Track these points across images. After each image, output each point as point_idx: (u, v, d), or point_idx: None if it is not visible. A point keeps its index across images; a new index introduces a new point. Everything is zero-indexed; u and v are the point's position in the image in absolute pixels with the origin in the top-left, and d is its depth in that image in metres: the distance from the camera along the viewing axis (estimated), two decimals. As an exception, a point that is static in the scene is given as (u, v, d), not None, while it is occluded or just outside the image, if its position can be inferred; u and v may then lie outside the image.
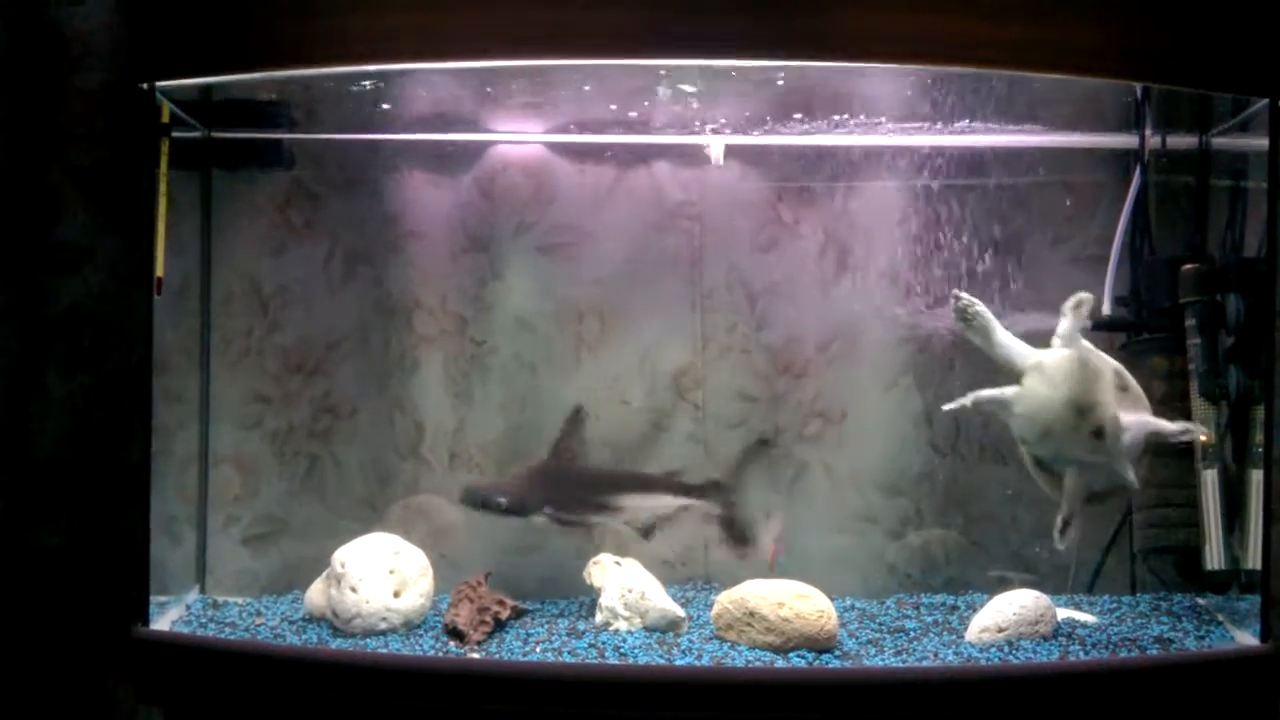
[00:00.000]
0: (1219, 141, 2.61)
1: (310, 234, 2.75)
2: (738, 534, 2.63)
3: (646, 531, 2.61)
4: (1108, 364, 2.33)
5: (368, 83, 2.47)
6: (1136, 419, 2.30)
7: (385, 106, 2.63)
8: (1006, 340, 2.35)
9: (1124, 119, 2.66)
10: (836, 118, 2.62)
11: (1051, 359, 2.31)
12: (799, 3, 2.16)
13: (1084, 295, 2.32)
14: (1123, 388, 2.32)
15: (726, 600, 2.36)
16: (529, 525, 2.56)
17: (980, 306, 2.35)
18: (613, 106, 2.64)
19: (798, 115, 2.62)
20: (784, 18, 2.16)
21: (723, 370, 2.77)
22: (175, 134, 2.44)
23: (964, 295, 2.35)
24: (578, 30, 2.16)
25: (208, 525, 2.73)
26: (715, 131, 2.67)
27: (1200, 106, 2.62)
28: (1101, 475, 2.30)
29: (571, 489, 2.60)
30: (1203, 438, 2.37)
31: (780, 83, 2.49)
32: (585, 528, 2.61)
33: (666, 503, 2.61)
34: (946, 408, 2.37)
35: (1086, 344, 2.32)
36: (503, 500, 2.55)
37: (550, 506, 2.55)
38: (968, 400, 2.34)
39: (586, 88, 2.55)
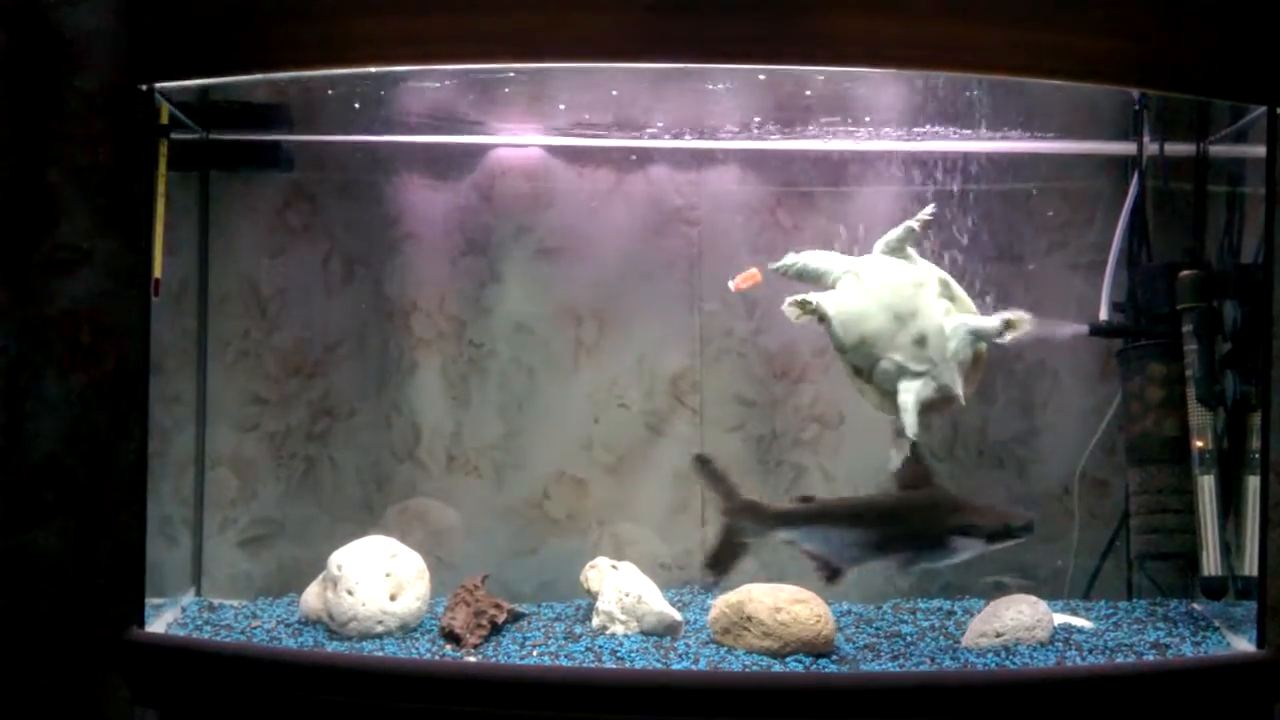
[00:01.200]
0: (1217, 148, 2.62)
1: (308, 236, 2.75)
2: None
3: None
4: (932, 272, 2.30)
5: (367, 84, 2.47)
6: (954, 320, 2.25)
7: (384, 109, 2.63)
8: (834, 262, 2.32)
9: (1122, 125, 2.66)
10: (835, 124, 2.62)
11: (869, 265, 2.28)
12: (795, 7, 2.16)
13: (926, 214, 2.30)
14: (949, 297, 2.28)
15: (723, 604, 2.36)
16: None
17: (797, 261, 2.33)
18: (611, 111, 2.64)
19: (797, 120, 2.62)
20: (780, 22, 2.16)
21: (720, 374, 2.77)
22: (174, 135, 2.44)
23: (783, 264, 2.33)
24: (574, 34, 2.16)
25: (204, 527, 2.72)
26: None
27: (1198, 113, 2.63)
28: (929, 387, 2.26)
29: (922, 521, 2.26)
30: (1024, 325, 2.24)
31: (778, 87, 2.49)
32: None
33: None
34: (772, 267, 2.34)
35: (912, 252, 2.30)
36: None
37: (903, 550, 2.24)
38: (784, 307, 2.31)
39: (586, 90, 2.55)
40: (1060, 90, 2.40)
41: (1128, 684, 2.21)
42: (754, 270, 2.41)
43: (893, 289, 2.27)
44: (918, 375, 2.25)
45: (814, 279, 2.35)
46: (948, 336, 2.25)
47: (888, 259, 2.30)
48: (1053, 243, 2.73)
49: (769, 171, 2.76)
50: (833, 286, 2.33)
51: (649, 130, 2.70)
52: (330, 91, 2.56)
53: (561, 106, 2.66)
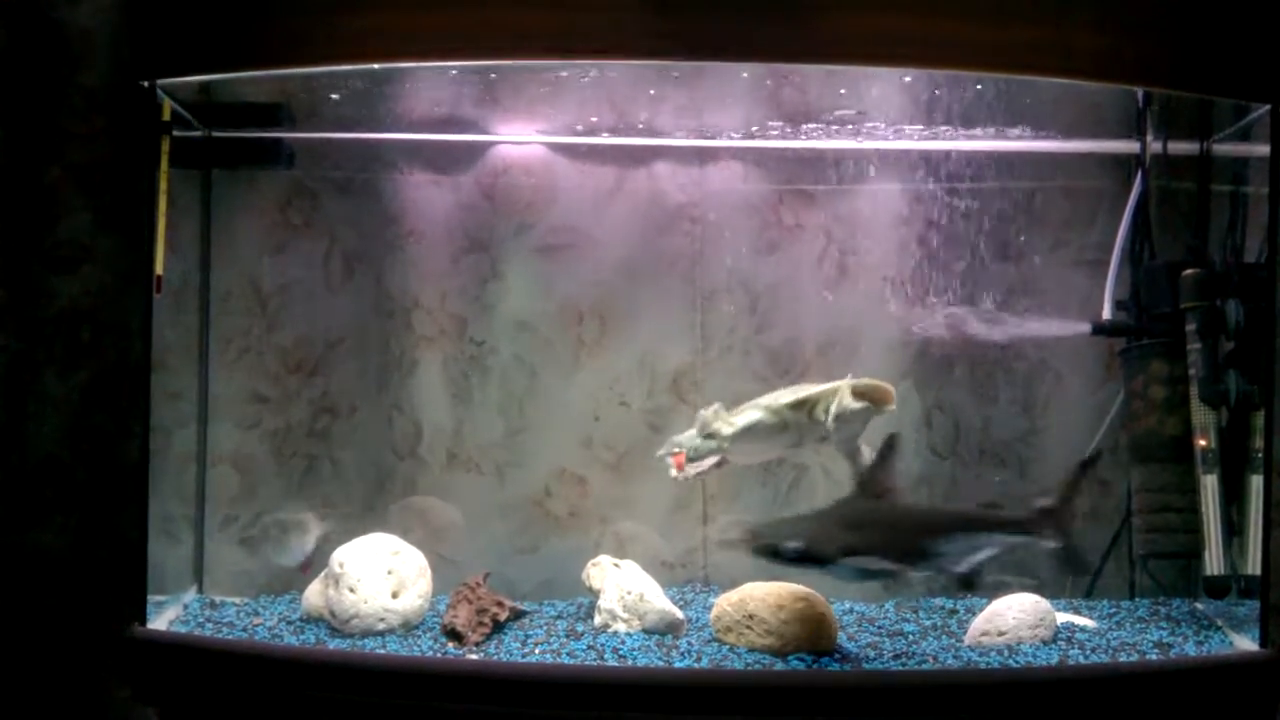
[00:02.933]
0: (1220, 147, 2.62)
1: (310, 233, 2.75)
2: (1078, 564, 2.35)
3: (968, 582, 2.26)
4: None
5: (368, 81, 2.47)
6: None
7: (386, 105, 2.63)
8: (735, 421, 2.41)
9: (1125, 124, 2.66)
10: (838, 121, 2.62)
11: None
12: (800, 5, 2.16)
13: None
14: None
15: (726, 603, 2.36)
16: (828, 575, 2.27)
17: (712, 422, 2.41)
18: (614, 109, 2.64)
19: (798, 118, 2.62)
20: (780, 20, 2.15)
21: (722, 372, 2.77)
22: (176, 132, 2.43)
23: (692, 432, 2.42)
24: (577, 32, 2.16)
25: (206, 525, 2.72)
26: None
27: (1201, 112, 2.62)
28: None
29: (881, 532, 2.22)
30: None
31: (780, 84, 2.49)
32: (897, 577, 2.32)
33: (994, 542, 2.27)
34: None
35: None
36: (794, 546, 2.20)
37: (854, 554, 2.19)
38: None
39: (587, 89, 2.55)
40: (1063, 89, 2.39)
41: (1130, 683, 2.21)
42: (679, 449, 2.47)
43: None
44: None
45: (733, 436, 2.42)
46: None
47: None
48: (1056, 241, 2.73)
49: (771, 169, 2.76)
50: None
51: (650, 128, 2.69)
52: (331, 89, 2.56)
53: (563, 103, 2.65)
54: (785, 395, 2.37)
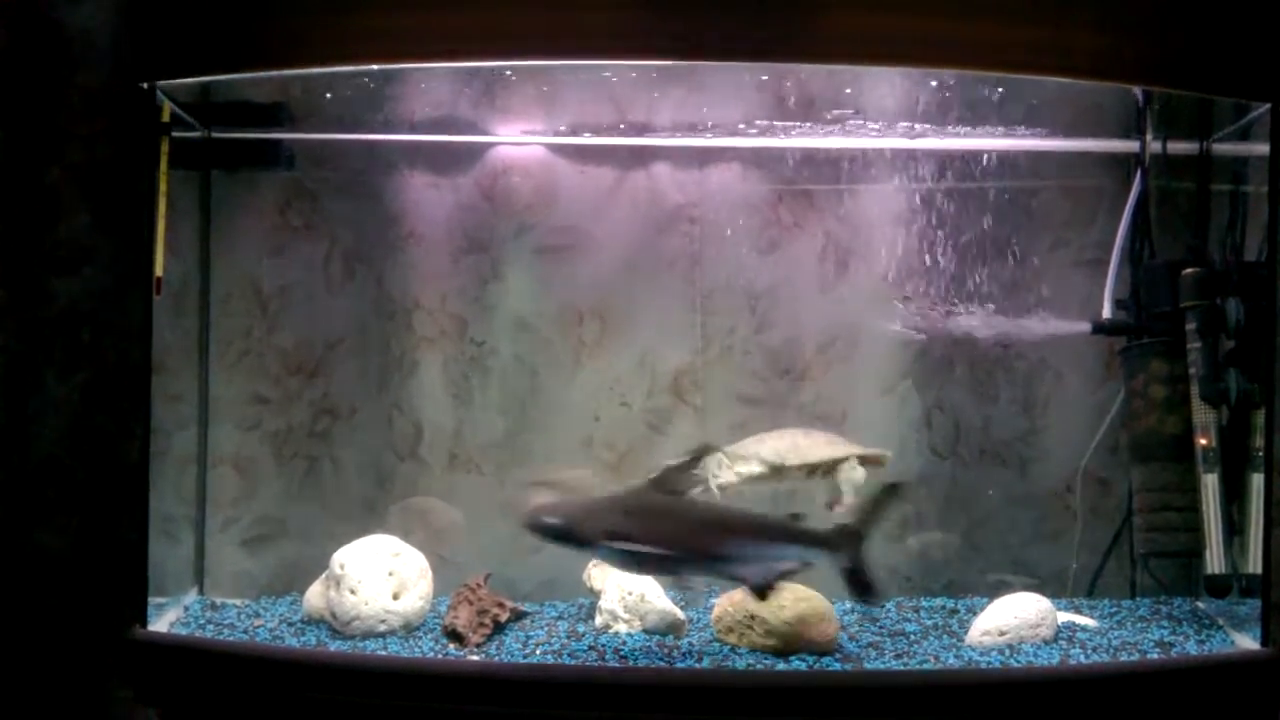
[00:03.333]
0: (1220, 146, 2.62)
1: (310, 234, 2.75)
2: (867, 590, 2.29)
3: (761, 590, 2.23)
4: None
5: (368, 82, 2.47)
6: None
7: (386, 106, 2.63)
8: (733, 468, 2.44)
9: (1125, 123, 2.66)
10: (837, 120, 2.62)
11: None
12: (798, 4, 2.16)
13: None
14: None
15: (727, 603, 2.36)
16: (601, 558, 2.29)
17: (717, 471, 2.42)
18: (614, 109, 2.64)
19: (798, 118, 2.62)
20: (778, 18, 2.15)
21: (722, 372, 2.77)
22: (175, 133, 2.43)
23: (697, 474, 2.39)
24: (575, 31, 2.16)
25: (206, 526, 2.72)
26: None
27: (1201, 111, 2.62)
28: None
29: (653, 522, 2.21)
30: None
31: (781, 83, 2.49)
32: (675, 575, 2.26)
33: (786, 555, 2.25)
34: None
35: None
36: (553, 523, 2.20)
37: (616, 539, 2.17)
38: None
39: (587, 89, 2.55)
40: (1063, 88, 2.40)
41: (1132, 682, 2.21)
42: None
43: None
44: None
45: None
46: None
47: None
48: (1056, 240, 2.73)
49: (771, 169, 2.76)
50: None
51: (649, 128, 2.69)
52: (330, 90, 2.56)
53: (562, 104, 2.66)
54: (788, 450, 2.38)
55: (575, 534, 2.20)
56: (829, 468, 2.39)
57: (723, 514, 2.33)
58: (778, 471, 2.38)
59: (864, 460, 2.39)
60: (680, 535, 2.22)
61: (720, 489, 2.41)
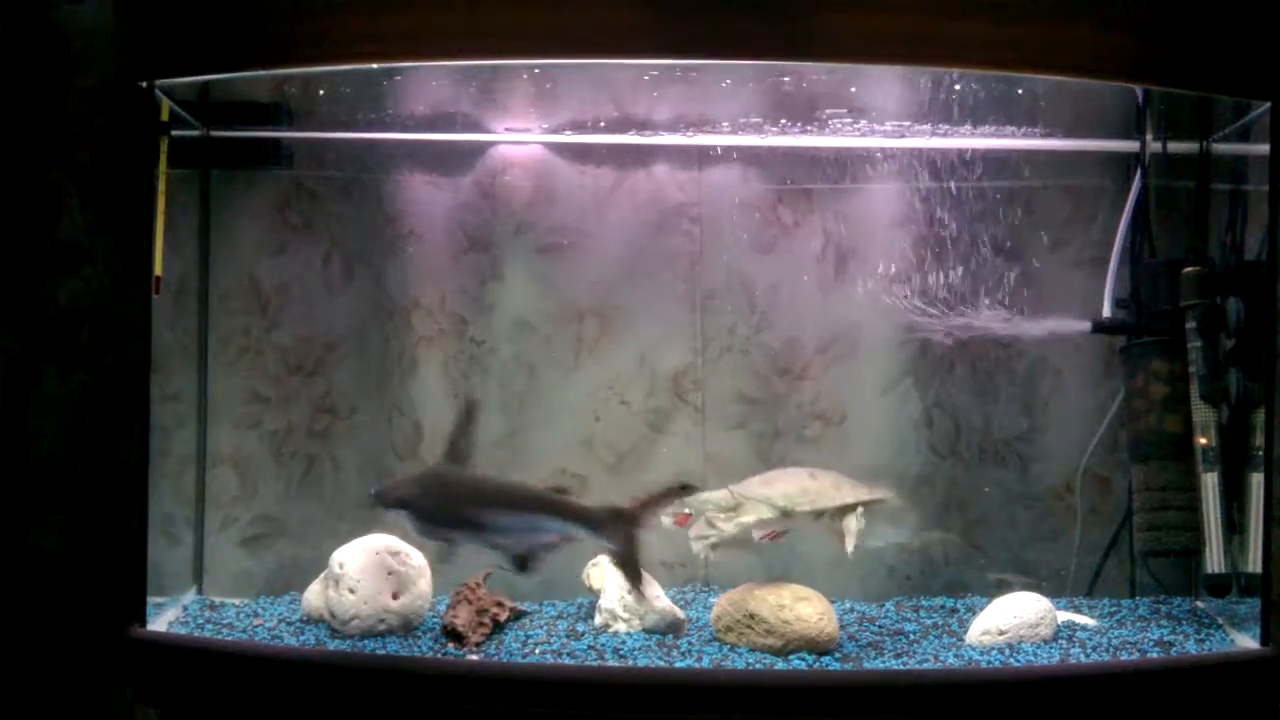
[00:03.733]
0: (1219, 145, 2.61)
1: (309, 233, 2.74)
2: (632, 575, 2.25)
3: (522, 562, 2.21)
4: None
5: (367, 81, 2.47)
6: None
7: (385, 105, 2.63)
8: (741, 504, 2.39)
9: (1125, 123, 2.66)
10: (836, 120, 2.62)
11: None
12: (797, 3, 2.16)
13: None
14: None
15: (726, 602, 2.36)
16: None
17: (710, 531, 2.39)
18: (613, 109, 2.64)
19: (798, 117, 2.62)
20: (778, 18, 2.15)
21: (722, 371, 2.77)
22: (174, 133, 2.43)
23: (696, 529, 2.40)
24: (575, 30, 2.16)
25: (205, 526, 2.72)
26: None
27: (1201, 110, 2.62)
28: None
29: (439, 496, 2.27)
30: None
31: (779, 83, 2.49)
32: (448, 544, 2.27)
33: (546, 528, 2.21)
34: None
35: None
36: (372, 490, 2.33)
37: (413, 514, 2.25)
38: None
39: (587, 88, 2.55)
40: (1063, 87, 2.40)
41: (1131, 681, 2.21)
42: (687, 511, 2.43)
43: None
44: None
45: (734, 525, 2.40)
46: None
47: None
48: (1056, 240, 2.73)
49: (770, 168, 2.75)
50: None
51: (649, 127, 2.69)
52: (329, 88, 2.56)
53: (562, 102, 2.65)
54: (798, 495, 2.36)
55: (381, 500, 2.31)
56: (836, 513, 2.36)
57: (487, 484, 2.33)
58: (787, 516, 2.36)
59: (870, 504, 2.37)
60: (448, 505, 2.25)
61: (718, 543, 2.40)
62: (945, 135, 2.63)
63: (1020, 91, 2.48)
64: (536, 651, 2.28)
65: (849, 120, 2.61)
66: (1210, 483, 2.40)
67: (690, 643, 2.33)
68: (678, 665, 2.21)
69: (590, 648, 2.29)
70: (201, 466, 2.71)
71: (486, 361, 2.75)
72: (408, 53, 2.23)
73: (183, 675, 2.28)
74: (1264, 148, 2.28)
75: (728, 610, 2.34)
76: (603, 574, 2.49)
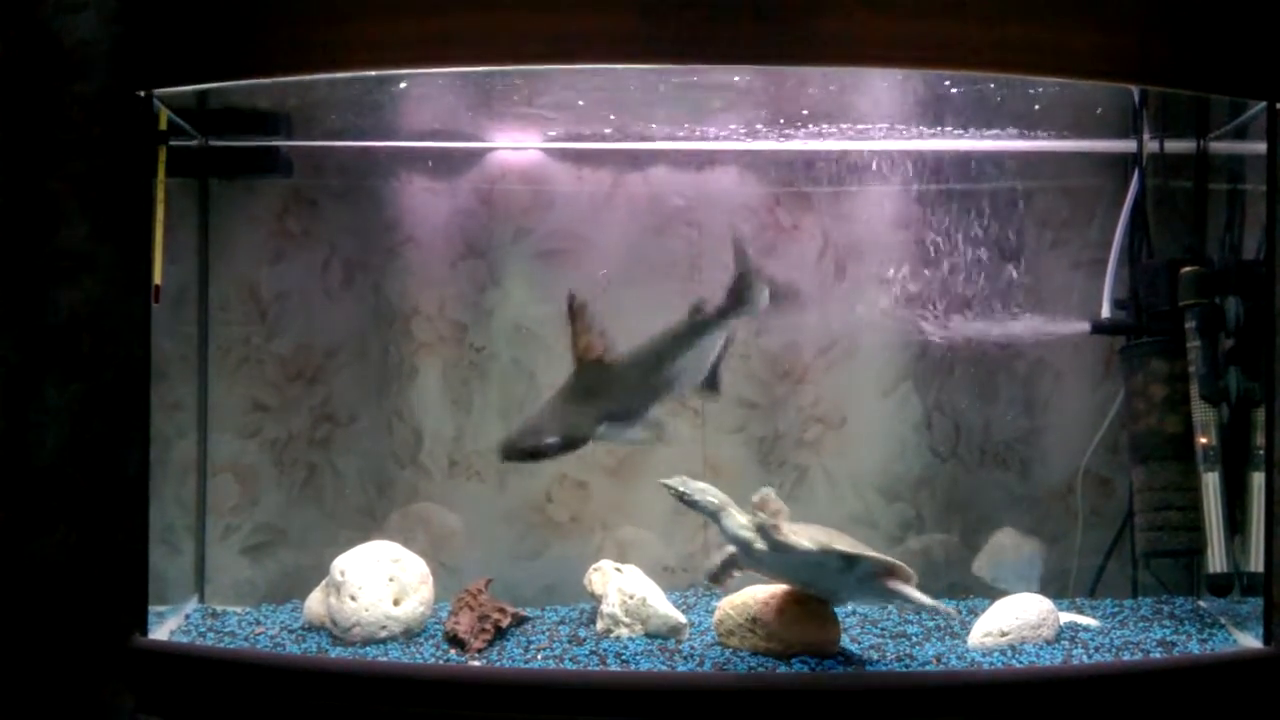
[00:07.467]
0: (1217, 145, 2.62)
1: (308, 241, 2.75)
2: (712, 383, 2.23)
3: (711, 380, 2.22)
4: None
5: (366, 88, 2.47)
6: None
7: (383, 113, 2.63)
8: (736, 526, 2.21)
9: (1122, 123, 2.66)
10: (834, 124, 2.62)
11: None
12: (794, 7, 2.16)
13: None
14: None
15: (728, 606, 2.35)
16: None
17: (700, 495, 2.22)
18: (611, 114, 2.64)
19: (796, 120, 2.62)
20: (774, 22, 2.15)
21: (722, 375, 2.76)
22: (173, 142, 2.43)
23: (673, 485, 2.22)
24: (573, 36, 2.16)
25: (206, 534, 2.72)
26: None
27: (1198, 110, 2.63)
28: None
29: (618, 389, 2.17)
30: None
31: (777, 87, 2.49)
32: (659, 425, 2.18)
33: (716, 339, 2.26)
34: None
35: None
36: (551, 441, 2.11)
37: (611, 420, 2.12)
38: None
39: (585, 93, 2.55)
40: (1060, 88, 2.40)
41: (1134, 682, 2.20)
42: None
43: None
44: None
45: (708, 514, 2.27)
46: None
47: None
48: (1054, 241, 2.73)
49: (767, 172, 2.76)
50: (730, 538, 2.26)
51: (646, 133, 2.70)
52: (328, 96, 2.56)
53: (560, 108, 2.66)
54: (835, 537, 2.21)
55: (575, 438, 2.14)
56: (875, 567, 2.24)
57: (641, 347, 2.26)
58: (824, 554, 2.19)
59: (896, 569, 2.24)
60: (629, 388, 2.21)
61: (759, 539, 2.19)
62: (943, 137, 2.63)
63: (1017, 92, 2.48)
64: (539, 657, 2.28)
65: (844, 121, 2.61)
66: (1211, 482, 2.40)
67: (692, 647, 2.33)
68: (680, 670, 2.21)
69: (592, 653, 2.29)
70: (202, 475, 2.72)
71: (486, 367, 2.76)
72: (404, 60, 2.22)
73: (185, 684, 2.28)
74: (1261, 146, 2.28)
75: (730, 614, 2.34)
76: (604, 579, 2.49)
